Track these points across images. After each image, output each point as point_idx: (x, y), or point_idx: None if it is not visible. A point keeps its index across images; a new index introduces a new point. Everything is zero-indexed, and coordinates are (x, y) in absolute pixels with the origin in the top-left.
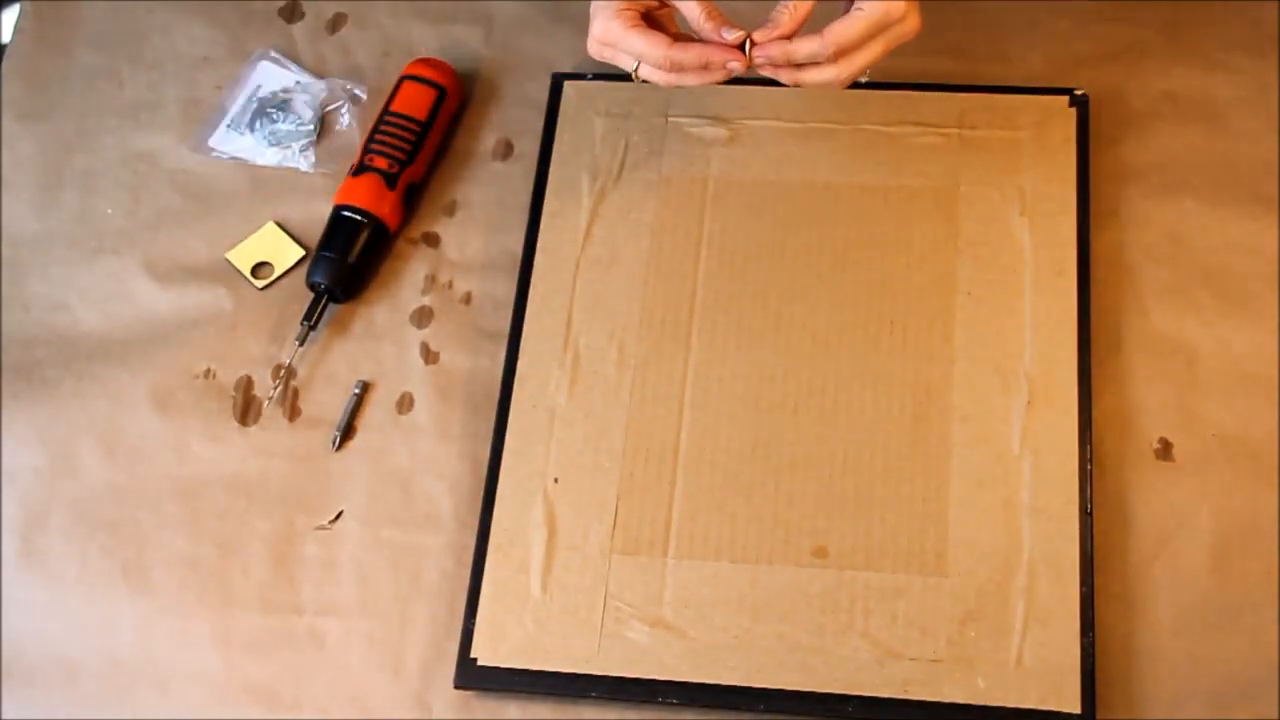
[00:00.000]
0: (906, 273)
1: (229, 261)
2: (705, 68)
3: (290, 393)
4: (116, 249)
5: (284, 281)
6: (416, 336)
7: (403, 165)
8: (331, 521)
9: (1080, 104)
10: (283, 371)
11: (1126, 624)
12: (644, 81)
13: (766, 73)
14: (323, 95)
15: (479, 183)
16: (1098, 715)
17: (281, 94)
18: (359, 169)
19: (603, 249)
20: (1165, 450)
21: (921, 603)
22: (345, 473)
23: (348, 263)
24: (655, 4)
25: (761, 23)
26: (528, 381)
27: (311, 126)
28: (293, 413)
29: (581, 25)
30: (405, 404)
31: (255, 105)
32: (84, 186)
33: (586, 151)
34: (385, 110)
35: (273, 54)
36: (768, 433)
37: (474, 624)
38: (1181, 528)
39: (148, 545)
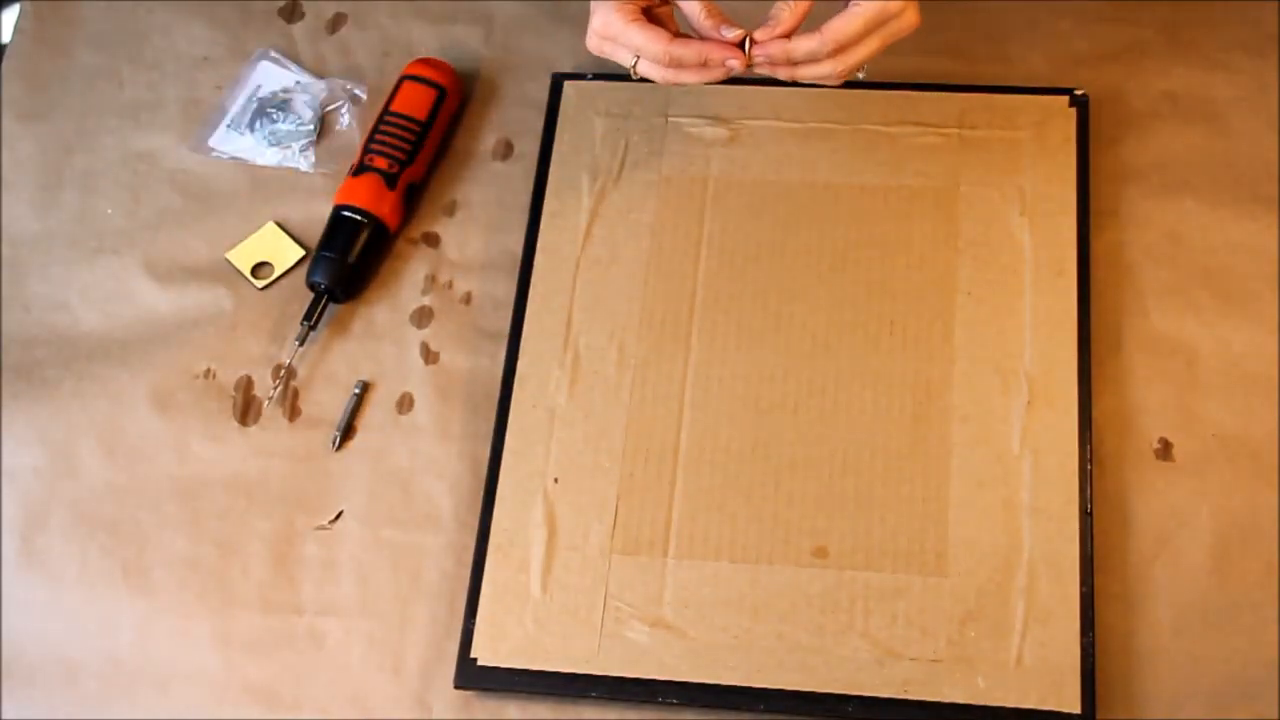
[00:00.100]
0: (906, 273)
1: (229, 261)
2: (704, 65)
3: (290, 393)
4: (116, 249)
5: (284, 281)
6: (416, 336)
7: (403, 165)
8: (331, 521)
9: (1080, 104)
10: (283, 371)
11: (1126, 624)
12: (641, 79)
13: (764, 71)
14: (323, 95)
15: (479, 183)
16: (1098, 715)
17: (281, 94)
18: (359, 169)
19: (603, 249)
20: (1165, 450)
21: (921, 603)
22: (345, 473)
23: (348, 263)
24: (656, 1)
25: (761, 22)
26: (528, 381)
27: (311, 126)
28: (293, 413)
29: (581, 25)
30: (405, 404)
31: (255, 105)
32: (84, 186)
33: (586, 151)
34: (385, 110)
35: (273, 54)
36: (768, 433)
37: (474, 624)
38: (1181, 528)
39: (148, 545)
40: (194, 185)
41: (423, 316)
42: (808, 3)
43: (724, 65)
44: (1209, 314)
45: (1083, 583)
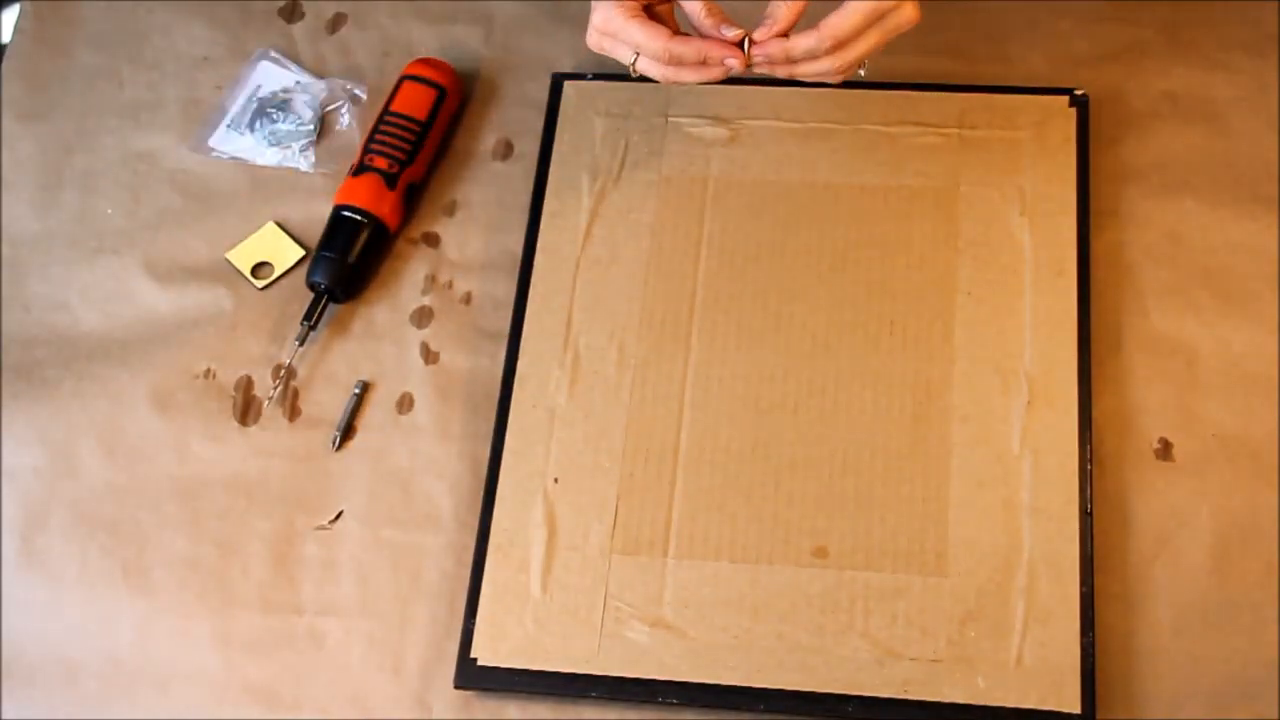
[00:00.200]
0: (906, 273)
1: (229, 261)
2: (704, 63)
3: (290, 393)
4: (116, 249)
5: (284, 281)
6: (416, 336)
7: (403, 165)
8: (331, 521)
9: (1080, 104)
10: (283, 371)
11: (1126, 624)
12: (641, 77)
13: (764, 70)
14: (323, 95)
15: (479, 183)
16: (1098, 715)
17: (281, 94)
18: (359, 169)
19: (603, 249)
20: (1165, 450)
21: (921, 603)
22: (345, 473)
23: (348, 263)
24: None
25: (759, 22)
26: (528, 381)
27: (311, 126)
28: (293, 413)
29: (582, 25)
30: (405, 404)
31: (255, 105)
32: (84, 186)
33: (586, 151)
34: (385, 110)
35: (273, 54)
36: (768, 433)
37: (474, 624)
38: (1181, 528)
39: (148, 545)
40: (194, 185)
41: (423, 316)
42: (804, 0)
43: (723, 64)
44: (1209, 314)
45: (1083, 583)
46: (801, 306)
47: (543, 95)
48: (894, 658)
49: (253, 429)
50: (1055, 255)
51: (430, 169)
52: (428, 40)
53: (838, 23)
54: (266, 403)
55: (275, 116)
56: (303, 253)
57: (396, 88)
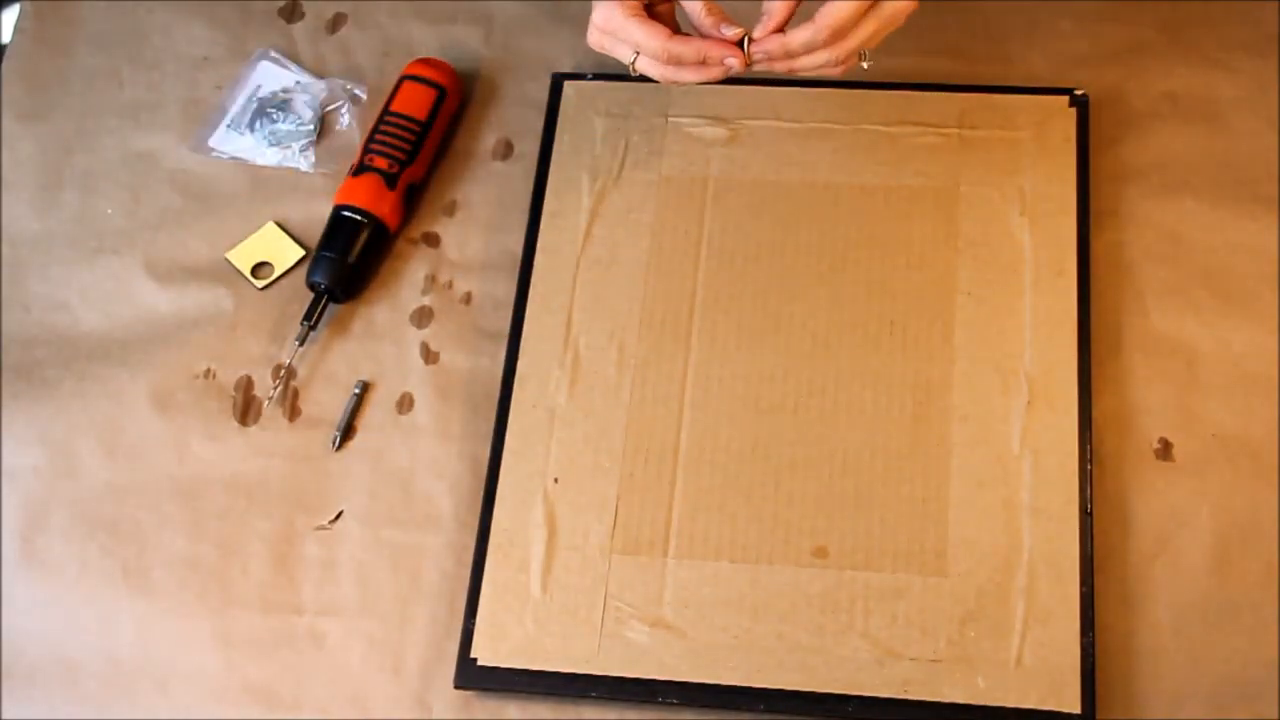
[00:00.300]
0: (906, 273)
1: (229, 261)
2: (703, 63)
3: (290, 393)
4: (116, 249)
5: (284, 281)
6: (416, 336)
7: (403, 165)
8: (331, 521)
9: (1080, 104)
10: (283, 371)
11: (1126, 624)
12: (640, 76)
13: (764, 67)
14: (323, 95)
15: (479, 183)
16: (1098, 715)
17: (281, 94)
18: (359, 169)
19: (603, 249)
20: (1165, 450)
21: (921, 603)
22: (345, 473)
23: (348, 263)
24: None
25: (758, 21)
26: (528, 381)
27: (311, 126)
28: (293, 413)
29: (582, 25)
30: (405, 404)
31: (255, 105)
32: (84, 186)
33: (586, 151)
34: (385, 110)
35: (273, 54)
36: (768, 433)
37: (474, 624)
38: (1181, 528)
39: (148, 545)
40: (194, 185)
41: (423, 316)
42: None
43: (723, 64)
44: (1209, 314)
45: (1083, 583)
46: (801, 306)
47: (543, 95)
48: (894, 658)
49: (253, 429)
50: (1055, 255)
51: (430, 169)
52: (428, 40)
53: (833, 11)
54: (266, 403)
55: (275, 116)
56: (303, 253)
57: (396, 88)
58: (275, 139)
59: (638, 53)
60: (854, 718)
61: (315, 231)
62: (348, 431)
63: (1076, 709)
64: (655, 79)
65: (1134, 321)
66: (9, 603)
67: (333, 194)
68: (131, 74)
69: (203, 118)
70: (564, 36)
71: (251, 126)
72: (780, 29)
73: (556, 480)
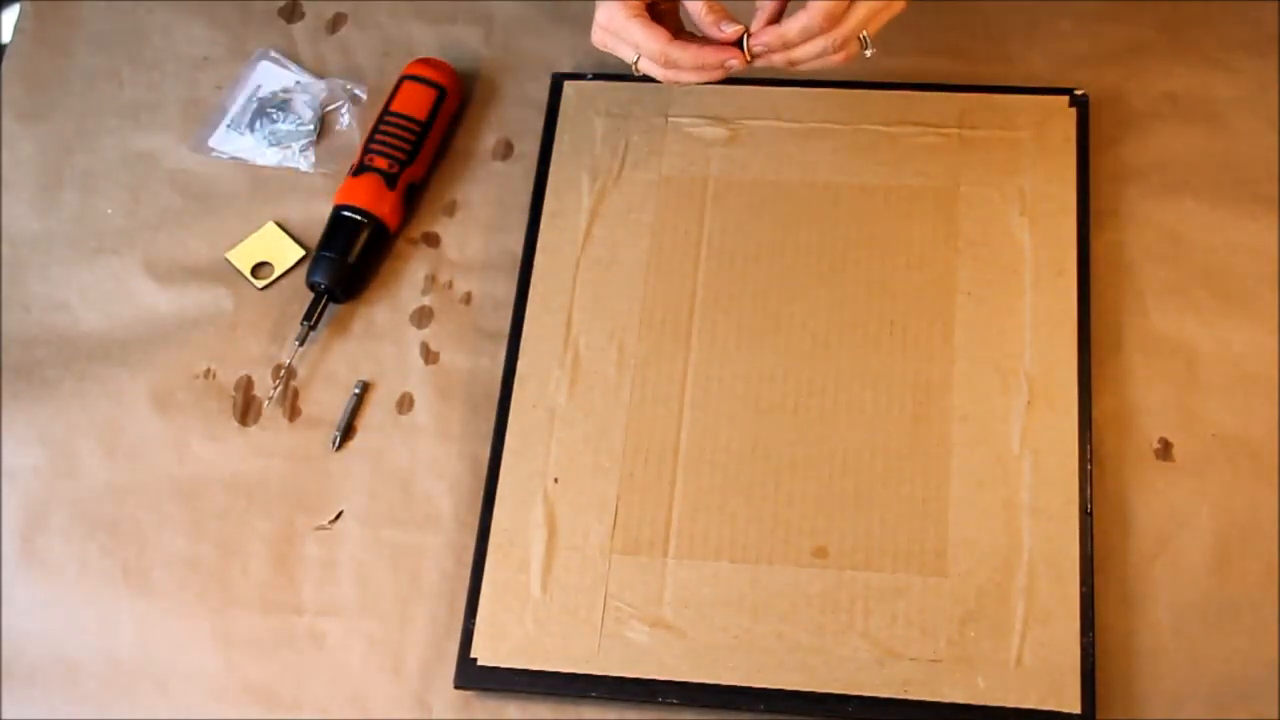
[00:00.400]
0: (906, 273)
1: (229, 261)
2: (701, 68)
3: (290, 393)
4: (116, 249)
5: (284, 281)
6: (416, 336)
7: (403, 165)
8: (331, 521)
9: (1080, 104)
10: (283, 371)
11: (1126, 624)
12: (643, 76)
13: (765, 63)
14: (323, 95)
15: (479, 183)
16: (1098, 715)
17: (281, 94)
18: (359, 169)
19: (603, 249)
20: (1165, 450)
21: (921, 603)
22: (345, 473)
23: (348, 263)
24: None
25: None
26: (528, 381)
27: (311, 126)
28: (293, 413)
29: (582, 25)
30: (405, 404)
31: (255, 105)
32: (84, 186)
33: (586, 151)
34: (385, 110)
35: (273, 54)
36: (768, 433)
37: (474, 624)
38: (1181, 528)
39: (148, 545)
40: (194, 185)
41: (423, 316)
42: None
43: (721, 67)
44: (1209, 314)
45: (1083, 583)
46: (801, 306)
47: (543, 95)
48: (894, 658)
49: (253, 429)
50: (1055, 255)
51: (430, 169)
52: (428, 40)
53: None
54: (266, 403)
55: (275, 116)
56: (303, 253)
57: (396, 88)
58: (275, 139)
59: (639, 54)
60: (854, 718)
61: (315, 231)
62: (348, 431)
63: (1076, 709)
64: (657, 79)
65: (1134, 321)
66: (9, 603)
67: (333, 194)
68: (131, 74)
69: (203, 118)
70: (564, 36)
71: (251, 126)
72: (775, 21)
73: (556, 480)
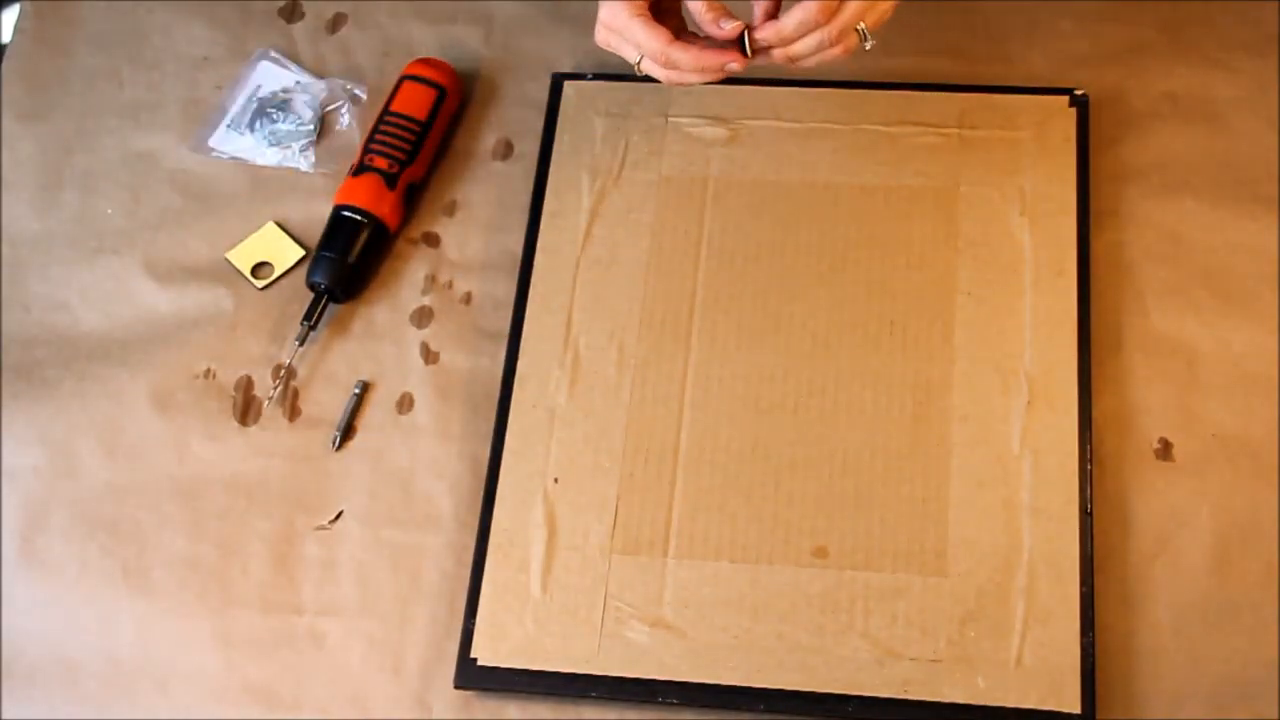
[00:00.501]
0: (906, 273)
1: (229, 261)
2: (701, 69)
3: (290, 393)
4: (116, 249)
5: (284, 281)
6: (416, 336)
7: (403, 165)
8: (331, 521)
9: (1080, 104)
10: (283, 371)
11: (1126, 624)
12: (645, 76)
13: (765, 60)
14: (323, 95)
15: (479, 183)
16: (1098, 715)
17: (281, 94)
18: (359, 169)
19: (603, 249)
20: (1165, 450)
21: (921, 603)
22: (345, 473)
23: (348, 263)
24: None
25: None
26: (528, 381)
27: (311, 126)
28: (293, 413)
29: (582, 25)
30: (405, 404)
31: (255, 105)
32: (84, 186)
33: (586, 151)
34: (385, 110)
35: (273, 54)
36: (768, 433)
37: (474, 624)
38: (1181, 528)
39: (148, 545)
40: (194, 185)
41: (423, 316)
42: None
43: (722, 69)
44: (1209, 314)
45: (1083, 583)
46: (801, 306)
47: (543, 95)
48: (894, 658)
49: (253, 429)
50: (1055, 255)
51: (430, 169)
52: (428, 40)
53: None
54: (266, 403)
55: (275, 116)
56: (303, 253)
57: (396, 88)
58: (275, 139)
59: (641, 53)
60: (854, 718)
61: (315, 231)
62: (348, 431)
63: (1076, 709)
64: (659, 79)
65: (1134, 321)
66: (9, 603)
67: (333, 194)
68: (131, 74)
69: (203, 118)
70: (564, 36)
71: (251, 126)
72: (772, 18)
73: (556, 480)
